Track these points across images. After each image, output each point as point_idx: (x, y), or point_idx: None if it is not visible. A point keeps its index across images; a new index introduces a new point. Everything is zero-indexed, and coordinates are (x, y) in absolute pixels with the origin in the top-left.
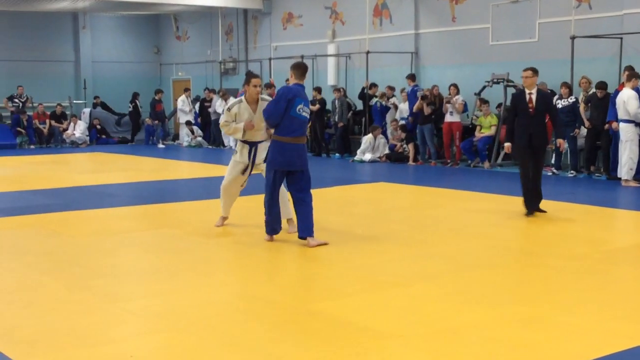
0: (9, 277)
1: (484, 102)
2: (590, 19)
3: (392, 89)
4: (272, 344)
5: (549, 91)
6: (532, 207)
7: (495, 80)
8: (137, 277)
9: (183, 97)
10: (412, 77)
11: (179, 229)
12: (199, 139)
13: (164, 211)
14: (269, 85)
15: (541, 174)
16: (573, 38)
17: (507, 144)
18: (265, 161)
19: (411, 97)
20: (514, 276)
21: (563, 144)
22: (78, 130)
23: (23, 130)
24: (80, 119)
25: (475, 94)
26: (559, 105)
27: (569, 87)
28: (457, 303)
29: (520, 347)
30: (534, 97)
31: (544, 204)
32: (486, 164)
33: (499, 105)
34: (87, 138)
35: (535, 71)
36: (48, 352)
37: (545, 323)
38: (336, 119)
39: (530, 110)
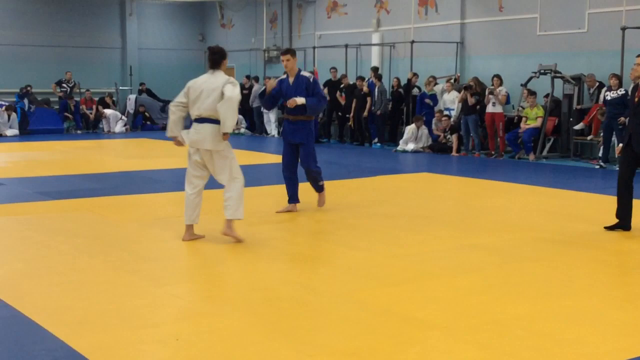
0: (59, 259)
1: (531, 93)
2: None
3: (434, 78)
4: (315, 332)
5: None
6: (621, 222)
7: (542, 71)
8: (183, 261)
9: None
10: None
11: (224, 215)
12: (242, 129)
13: (210, 197)
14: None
15: None
16: (624, 29)
17: (620, 145)
18: (301, 141)
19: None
20: (559, 269)
21: None
22: (118, 125)
23: (70, 116)
24: (123, 110)
25: (521, 85)
26: (608, 97)
27: (619, 78)
28: (502, 295)
29: (566, 342)
30: None
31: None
32: (531, 156)
33: (546, 97)
34: (124, 129)
35: None
36: (95, 333)
37: (592, 318)
38: (373, 108)
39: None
